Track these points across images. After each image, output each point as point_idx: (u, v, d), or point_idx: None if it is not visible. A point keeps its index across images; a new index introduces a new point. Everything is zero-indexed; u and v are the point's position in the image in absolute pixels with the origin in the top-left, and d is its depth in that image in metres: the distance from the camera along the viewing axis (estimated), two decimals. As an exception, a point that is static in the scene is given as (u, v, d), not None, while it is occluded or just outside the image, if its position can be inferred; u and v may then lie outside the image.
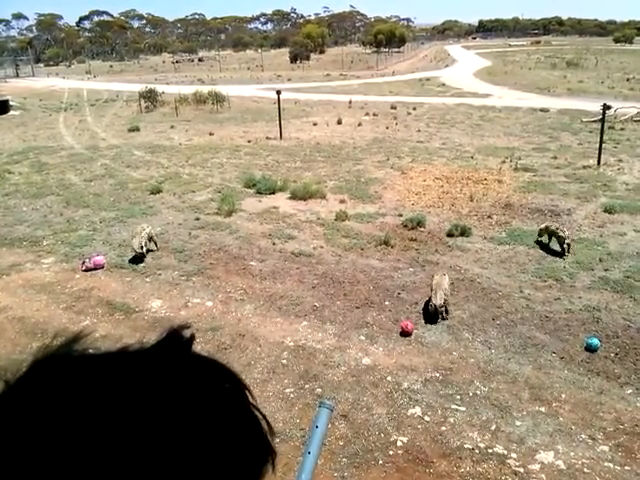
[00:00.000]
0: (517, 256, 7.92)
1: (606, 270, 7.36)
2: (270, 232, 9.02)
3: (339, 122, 19.40)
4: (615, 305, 6.48)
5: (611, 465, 4.17)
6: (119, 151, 15.89)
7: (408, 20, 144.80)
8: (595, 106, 16.51)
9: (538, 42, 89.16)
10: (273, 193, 11.08)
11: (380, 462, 4.26)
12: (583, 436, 4.47)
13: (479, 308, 6.50)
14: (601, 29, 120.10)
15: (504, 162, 13.08)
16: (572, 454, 4.29)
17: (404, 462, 4.25)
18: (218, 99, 24.17)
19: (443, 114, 21.01)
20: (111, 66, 64.69)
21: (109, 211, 10.36)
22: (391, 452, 4.36)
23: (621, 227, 8.90)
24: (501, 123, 18.79)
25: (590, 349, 5.60)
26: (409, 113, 21.37)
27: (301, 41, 68.27)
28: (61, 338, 0.45)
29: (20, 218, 10.13)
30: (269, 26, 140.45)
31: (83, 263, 7.85)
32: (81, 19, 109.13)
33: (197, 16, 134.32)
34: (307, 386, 5.17)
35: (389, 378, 5.26)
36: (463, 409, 4.81)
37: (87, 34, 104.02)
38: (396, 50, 70.35)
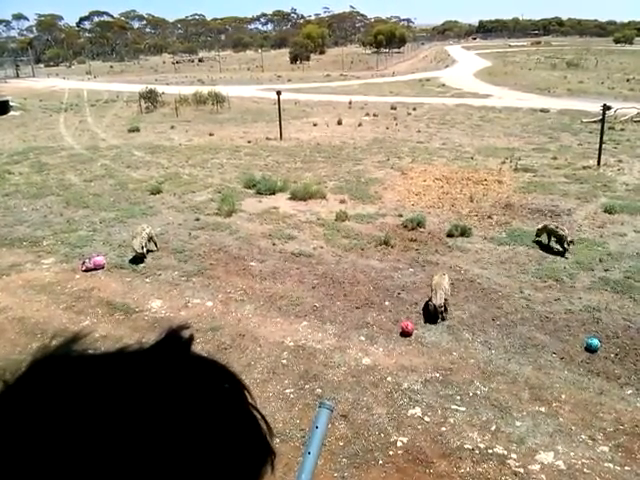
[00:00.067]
0: (517, 256, 7.92)
1: (606, 270, 7.36)
2: (270, 232, 9.02)
3: (339, 122, 19.40)
4: (615, 305, 6.48)
5: (611, 465, 4.17)
6: (119, 151, 15.89)
7: (408, 20, 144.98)
8: (595, 106, 16.51)
9: (538, 42, 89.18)
10: (273, 193, 11.08)
11: (380, 462, 4.26)
12: (583, 436, 4.47)
13: (479, 308, 6.50)
14: (601, 29, 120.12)
15: (504, 162, 13.08)
16: (572, 454, 4.29)
17: (404, 462, 4.25)
18: (218, 100, 24.18)
19: (443, 114, 21.02)
20: (111, 67, 64.72)
21: (109, 211, 10.36)
22: (391, 452, 4.36)
23: (621, 227, 8.90)
24: (501, 123, 18.79)
25: (590, 349, 5.59)
26: (409, 113, 21.38)
27: (301, 41, 68.26)
28: (60, 338, 0.45)
29: (20, 218, 10.13)
30: (269, 27, 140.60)
31: (83, 263, 7.85)
32: (81, 20, 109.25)
33: (197, 17, 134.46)
34: (307, 386, 5.16)
35: (389, 378, 5.26)
36: (463, 409, 4.81)
37: (87, 35, 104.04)
38: (396, 51, 70.37)
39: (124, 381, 0.43)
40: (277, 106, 16.82)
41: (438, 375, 5.29)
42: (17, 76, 51.51)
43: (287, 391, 5.11)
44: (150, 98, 25.05)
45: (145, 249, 7.94)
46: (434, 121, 19.63)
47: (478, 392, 5.03)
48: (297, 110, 23.02)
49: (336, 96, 27.20)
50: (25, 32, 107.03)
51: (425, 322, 6.22)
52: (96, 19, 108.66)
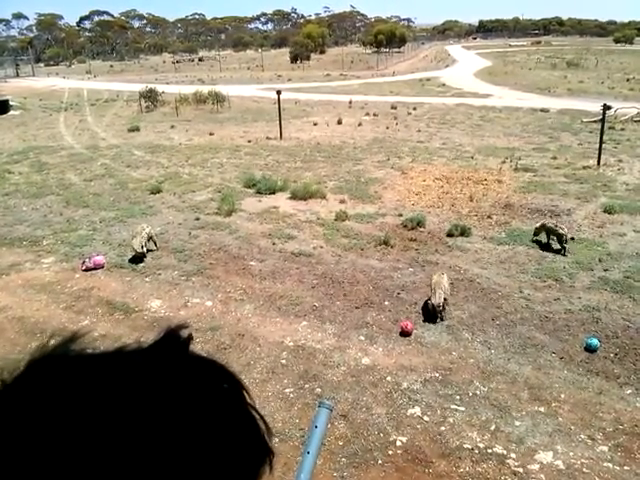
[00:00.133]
0: (517, 256, 7.93)
1: (606, 270, 7.36)
2: (270, 232, 9.02)
3: (339, 122, 19.40)
4: (615, 305, 6.48)
5: (610, 465, 4.17)
6: (119, 151, 15.89)
7: (408, 20, 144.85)
8: (595, 106, 16.51)
9: (538, 42, 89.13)
10: (273, 193, 11.08)
11: (379, 462, 4.26)
12: (582, 436, 4.48)
13: (479, 308, 6.50)
14: (601, 29, 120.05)
15: (504, 162, 13.08)
16: (571, 454, 4.29)
17: (403, 462, 4.26)
18: (218, 99, 24.17)
19: (443, 114, 21.01)
20: (111, 66, 64.68)
21: (109, 211, 10.36)
22: (390, 452, 4.36)
23: (621, 227, 8.91)
24: (501, 123, 18.79)
25: (590, 349, 5.60)
26: (409, 113, 21.37)
27: (301, 41, 68.20)
28: (58, 338, 0.45)
29: (20, 218, 10.13)
30: (269, 26, 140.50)
31: (83, 263, 7.85)
32: (81, 19, 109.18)
33: (197, 16, 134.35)
34: (307, 386, 5.17)
35: (388, 378, 5.26)
36: (462, 409, 4.81)
37: (87, 34, 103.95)
38: (396, 50, 70.32)
39: (122, 381, 0.43)
40: (277, 105, 16.82)
41: (437, 375, 5.30)
42: (17, 75, 51.48)
43: (286, 391, 5.11)
44: (150, 97, 25.04)
45: (145, 249, 7.94)
46: (434, 121, 19.63)
47: (477, 392, 5.04)
48: (297, 110, 23.01)
49: (336, 96, 27.19)
50: (25, 31, 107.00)
51: (424, 321, 6.22)
52: (96, 18, 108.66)
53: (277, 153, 14.92)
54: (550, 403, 4.87)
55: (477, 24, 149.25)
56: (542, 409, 4.80)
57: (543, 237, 8.20)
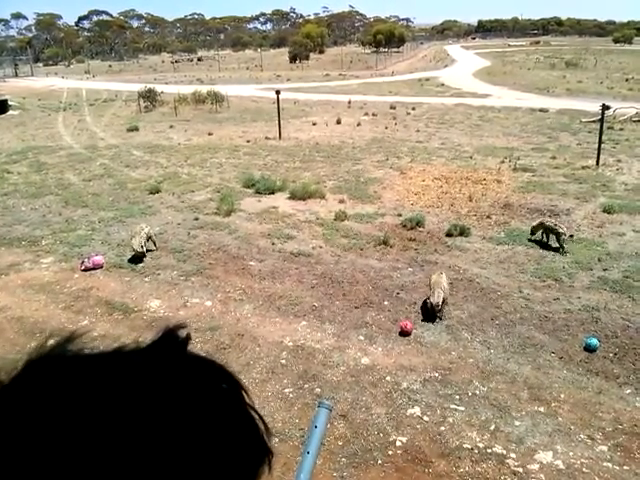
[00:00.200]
0: (516, 256, 7.93)
1: (605, 270, 7.37)
2: (269, 232, 9.01)
3: (338, 122, 19.40)
4: (614, 305, 6.48)
5: (610, 465, 4.17)
6: (118, 151, 15.88)
7: (407, 20, 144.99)
8: (594, 106, 16.51)
9: (537, 42, 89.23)
10: (272, 193, 11.08)
11: (379, 462, 4.26)
12: (582, 436, 4.48)
13: (478, 308, 6.50)
14: (600, 29, 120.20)
15: (503, 162, 13.09)
16: (571, 454, 4.29)
17: (403, 462, 4.25)
18: (217, 99, 24.16)
19: (442, 114, 21.02)
20: (110, 66, 64.64)
21: (108, 211, 10.35)
22: (390, 452, 4.36)
23: (620, 227, 8.91)
24: (500, 123, 18.80)
25: (589, 349, 5.60)
26: (408, 113, 21.38)
27: (300, 41, 68.20)
28: (56, 338, 0.44)
29: (19, 218, 10.12)
30: (268, 26, 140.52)
31: (82, 263, 7.84)
32: (80, 19, 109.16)
33: (196, 16, 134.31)
34: (306, 386, 5.16)
35: (388, 378, 5.26)
36: (462, 409, 4.81)
37: (86, 34, 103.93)
38: (395, 50, 70.34)
39: (120, 381, 0.42)
40: (276, 105, 16.82)
41: (437, 375, 5.29)
42: (16, 75, 51.44)
43: (286, 391, 5.10)
44: (149, 97, 25.02)
45: (144, 248, 7.94)
46: (433, 121, 19.64)
47: (477, 392, 5.04)
48: (296, 109, 23.01)
49: (335, 95, 27.19)
50: (24, 31, 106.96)
51: (423, 321, 6.22)
52: (95, 18, 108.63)
53: (276, 153, 14.91)
54: (550, 403, 4.87)
55: (476, 24, 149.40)
56: (542, 409, 4.80)
57: (539, 235, 8.22)
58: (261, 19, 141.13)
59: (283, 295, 6.94)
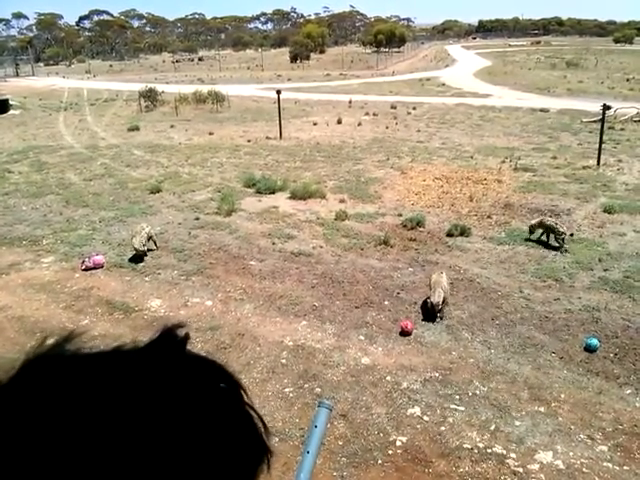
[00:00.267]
0: (516, 256, 7.92)
1: (605, 270, 7.36)
2: (270, 232, 9.01)
3: (339, 122, 19.39)
4: (614, 305, 6.48)
5: (610, 465, 4.17)
6: (119, 150, 15.88)
7: (408, 20, 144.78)
8: (595, 106, 16.51)
9: (538, 42, 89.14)
10: (273, 193, 11.08)
11: (379, 462, 4.26)
12: (582, 436, 4.48)
13: (478, 308, 6.50)
14: (601, 29, 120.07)
15: (504, 162, 13.08)
16: (571, 454, 4.29)
17: (403, 462, 4.25)
18: (218, 99, 24.16)
19: (443, 114, 21.01)
20: (111, 65, 64.65)
21: (109, 210, 10.36)
22: (390, 452, 4.36)
23: (620, 227, 8.91)
24: (501, 123, 18.79)
25: (589, 349, 5.60)
26: (409, 113, 21.37)
27: (301, 41, 68.17)
28: (54, 337, 0.44)
29: (20, 217, 10.13)
30: (269, 26, 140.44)
31: (83, 262, 7.85)
32: (81, 18, 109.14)
33: (197, 16, 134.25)
34: (306, 386, 5.16)
35: (388, 378, 5.26)
36: (462, 409, 4.81)
37: (87, 33, 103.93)
38: (396, 50, 70.28)
39: (118, 380, 0.43)
40: (277, 105, 16.82)
41: (437, 375, 5.29)
42: (17, 75, 51.45)
43: (286, 390, 5.11)
44: (150, 97, 25.02)
45: (145, 248, 7.94)
46: (434, 120, 19.63)
47: (477, 392, 5.03)
48: (297, 109, 23.01)
49: (336, 95, 27.18)
50: (25, 31, 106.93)
51: (423, 320, 6.22)
52: (96, 18, 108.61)
53: (277, 153, 14.91)
54: (550, 403, 4.87)
55: (477, 24, 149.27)
56: (542, 409, 4.80)
57: (537, 234, 8.23)
58: (262, 19, 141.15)
59: (283, 295, 6.94)
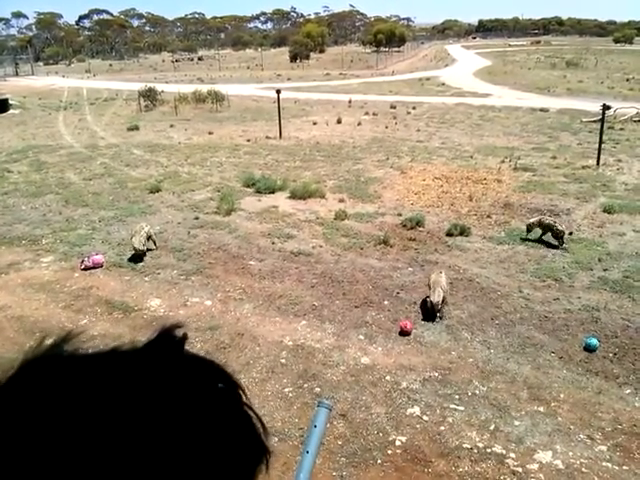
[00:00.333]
0: (516, 256, 7.93)
1: (605, 270, 7.37)
2: (269, 231, 9.01)
3: (339, 121, 19.39)
4: (614, 305, 6.48)
5: (609, 465, 4.17)
6: (118, 150, 15.87)
7: (408, 20, 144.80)
8: (595, 106, 16.51)
9: (538, 42, 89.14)
10: (272, 192, 11.07)
11: (379, 461, 4.26)
12: (581, 436, 4.48)
13: (478, 308, 6.50)
14: (601, 29, 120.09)
15: (503, 162, 13.08)
16: (570, 454, 4.29)
17: (403, 461, 4.25)
18: (218, 98, 24.15)
19: (443, 114, 21.01)
20: (111, 65, 64.61)
21: (108, 210, 10.35)
22: (390, 451, 4.36)
23: (620, 227, 8.91)
24: (501, 123, 18.79)
25: (589, 349, 5.60)
26: (409, 112, 21.37)
27: (301, 40, 68.13)
28: (52, 338, 0.44)
29: (19, 217, 10.12)
30: (269, 25, 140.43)
31: (82, 262, 7.84)
32: (81, 18, 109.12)
33: (197, 15, 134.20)
34: (306, 385, 5.16)
35: (388, 377, 5.26)
36: (462, 409, 4.81)
37: (87, 33, 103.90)
38: (396, 50, 70.27)
39: (116, 381, 0.42)
40: (277, 105, 16.81)
41: (437, 374, 5.29)
42: (16, 74, 51.43)
43: (286, 390, 5.11)
44: (149, 96, 25.01)
45: (144, 247, 7.94)
46: (434, 120, 19.63)
47: (477, 391, 5.04)
48: (297, 109, 23.00)
49: (336, 95, 27.18)
50: (24, 30, 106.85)
51: (423, 320, 6.22)
52: (95, 17, 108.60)
53: (276, 152, 14.91)
54: (549, 403, 4.87)
55: (477, 24, 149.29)
56: (541, 409, 4.80)
57: (535, 233, 8.24)
58: (262, 18, 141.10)
59: (283, 294, 6.94)
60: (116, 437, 0.39)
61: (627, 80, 30.50)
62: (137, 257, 7.94)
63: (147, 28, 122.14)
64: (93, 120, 22.12)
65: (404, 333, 5.96)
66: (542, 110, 20.92)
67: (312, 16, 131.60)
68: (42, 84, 40.24)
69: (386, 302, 6.69)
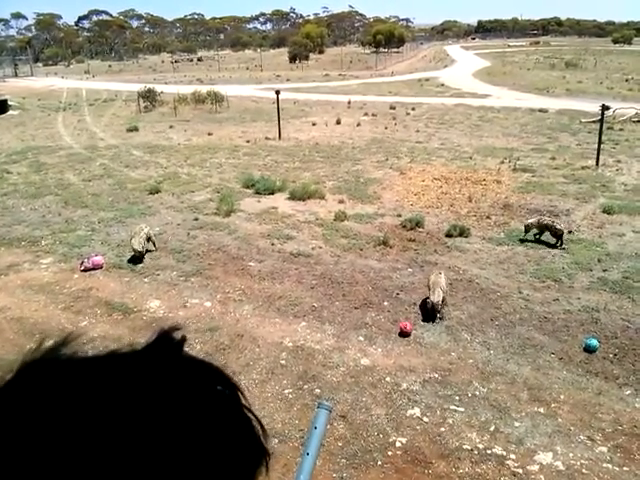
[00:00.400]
0: (515, 257, 7.93)
1: (605, 271, 7.37)
2: (269, 232, 9.01)
3: (338, 122, 19.40)
4: (614, 306, 6.48)
5: (610, 466, 4.17)
6: (118, 151, 15.87)
7: (407, 20, 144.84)
8: (594, 107, 16.52)
9: (537, 43, 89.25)
10: (272, 193, 11.07)
11: (379, 463, 4.26)
12: (582, 437, 4.47)
13: (478, 309, 6.50)
14: (600, 30, 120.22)
15: (503, 162, 13.09)
16: (571, 455, 4.29)
17: (403, 463, 4.25)
18: (217, 99, 24.16)
19: (442, 114, 21.02)
20: (110, 66, 64.62)
21: (108, 211, 10.35)
22: (390, 453, 4.35)
23: (620, 228, 8.91)
24: (500, 123, 18.80)
25: (589, 350, 5.60)
26: (408, 113, 21.38)
27: (300, 41, 68.18)
28: (51, 341, 0.44)
29: (18, 218, 10.11)
30: (268, 26, 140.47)
31: (82, 263, 7.84)
32: (80, 19, 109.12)
33: (196, 16, 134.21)
34: (306, 387, 5.16)
35: (388, 379, 5.26)
36: (462, 410, 4.81)
37: (86, 34, 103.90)
38: (395, 50, 70.33)
39: (114, 384, 0.42)
40: (276, 105, 16.82)
41: (437, 375, 5.29)
42: (16, 75, 51.45)
43: (286, 391, 5.10)
44: (149, 97, 25.02)
45: (144, 248, 7.93)
46: (433, 121, 19.64)
47: (477, 392, 5.03)
48: (296, 110, 23.01)
49: (335, 96, 27.20)
50: (24, 31, 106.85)
51: (422, 321, 6.21)
52: (95, 18, 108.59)
53: (276, 153, 14.91)
54: (549, 404, 4.87)
55: (476, 24, 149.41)
56: (541, 410, 4.80)
57: (533, 233, 8.24)
58: (261, 19, 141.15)
59: (283, 295, 6.93)
60: (114, 439, 0.39)
61: (626, 80, 30.54)
62: (137, 258, 7.93)
63: (146, 29, 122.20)
64: (92, 121, 22.12)
65: (404, 334, 5.96)
66: (541, 111, 20.93)
67: (311, 17, 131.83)
68: (41, 85, 40.25)
69: (386, 303, 6.68)
